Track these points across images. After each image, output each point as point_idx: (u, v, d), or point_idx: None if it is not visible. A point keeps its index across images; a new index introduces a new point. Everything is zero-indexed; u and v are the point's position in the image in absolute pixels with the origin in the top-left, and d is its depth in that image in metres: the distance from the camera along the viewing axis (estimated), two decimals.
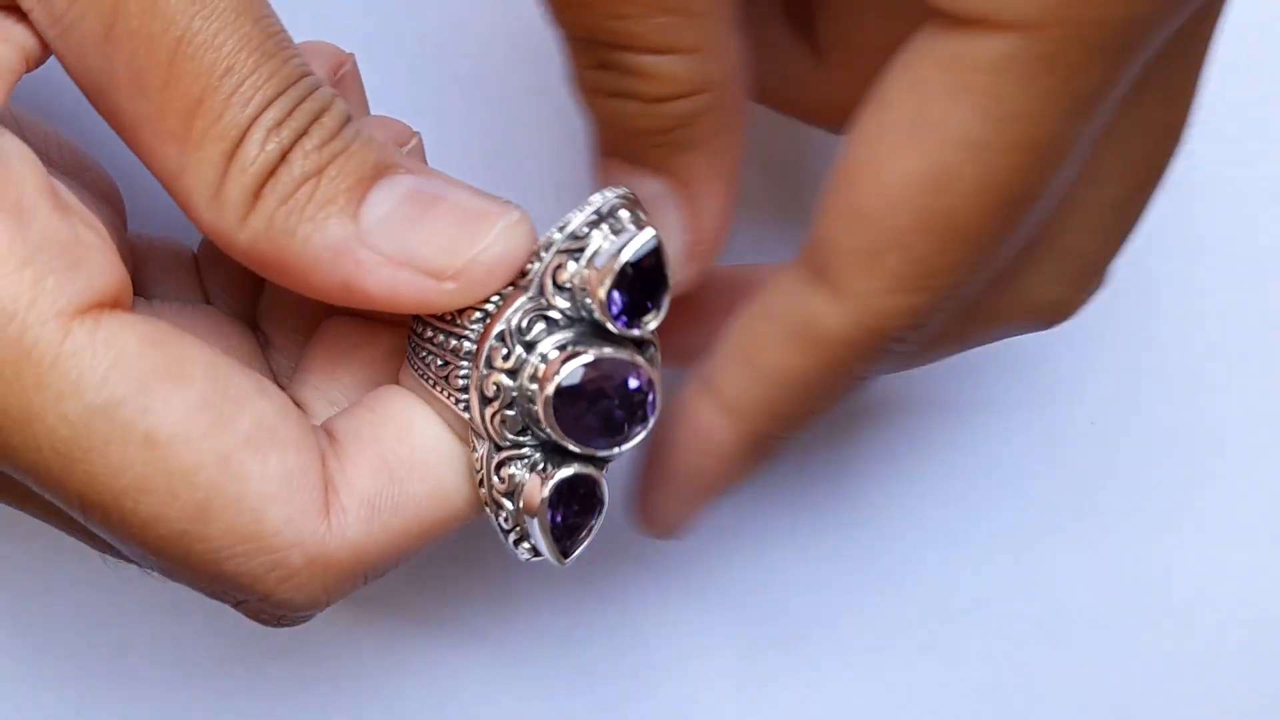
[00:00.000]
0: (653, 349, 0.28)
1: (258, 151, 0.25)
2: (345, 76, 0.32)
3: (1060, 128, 0.24)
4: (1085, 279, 0.29)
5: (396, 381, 0.29)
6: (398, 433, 0.28)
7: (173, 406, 0.25)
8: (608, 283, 0.26)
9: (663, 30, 0.25)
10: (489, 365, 0.27)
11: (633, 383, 0.27)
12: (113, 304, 0.25)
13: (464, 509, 0.28)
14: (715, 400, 0.28)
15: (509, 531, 0.28)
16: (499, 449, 0.27)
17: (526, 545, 0.28)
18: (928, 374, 0.38)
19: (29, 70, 0.26)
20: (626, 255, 0.26)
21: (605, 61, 0.26)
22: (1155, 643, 0.40)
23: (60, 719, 0.38)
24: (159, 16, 0.25)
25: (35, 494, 0.26)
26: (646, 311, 0.27)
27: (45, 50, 0.26)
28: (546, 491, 0.27)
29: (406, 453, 0.28)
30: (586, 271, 0.26)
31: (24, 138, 0.26)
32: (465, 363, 0.27)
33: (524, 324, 0.27)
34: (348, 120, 0.27)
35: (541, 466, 0.27)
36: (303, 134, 0.26)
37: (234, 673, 0.39)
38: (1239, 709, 0.40)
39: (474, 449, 0.27)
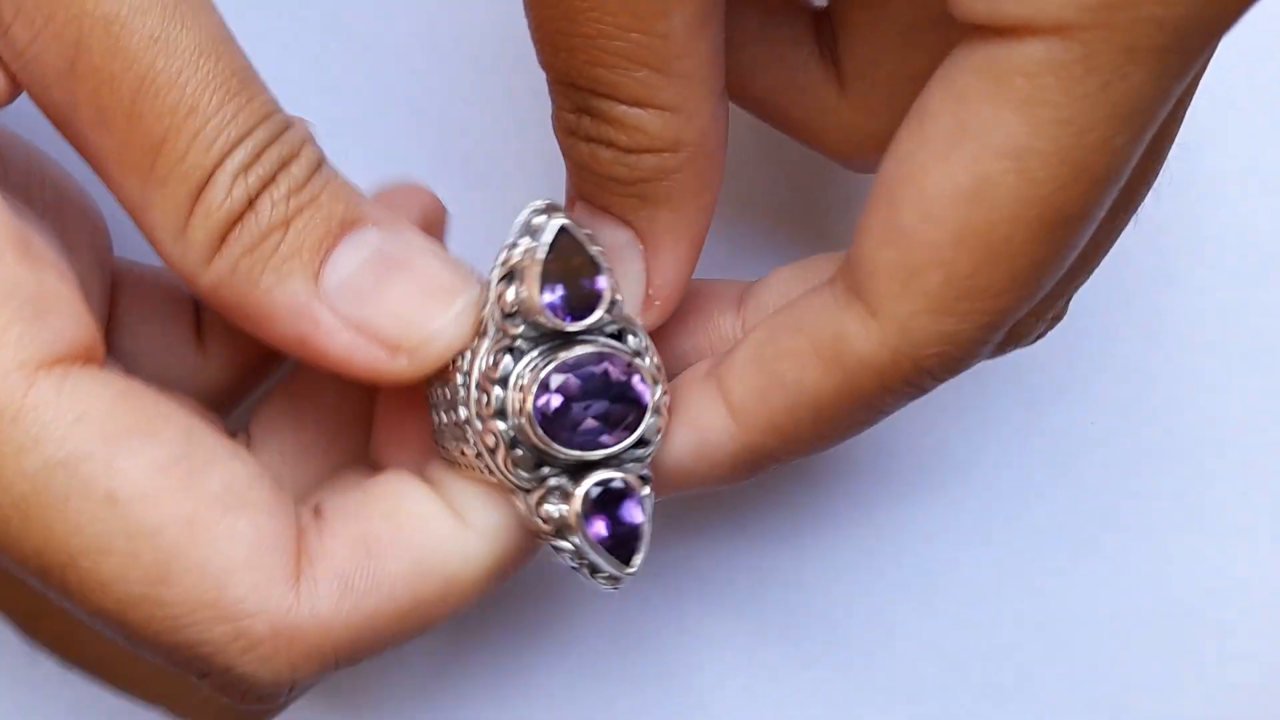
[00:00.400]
0: (633, 338, 0.28)
1: (224, 196, 0.25)
2: (431, 228, 0.32)
3: (1105, 137, 0.23)
4: (1047, 308, 0.29)
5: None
6: (384, 511, 0.27)
7: (138, 464, 0.24)
8: (535, 286, 0.26)
9: (642, 83, 0.26)
10: (479, 418, 0.27)
11: (611, 372, 0.27)
12: (83, 358, 0.25)
13: (452, 593, 0.27)
14: (722, 401, 0.28)
15: (579, 569, 0.27)
16: (529, 493, 0.27)
17: (602, 575, 0.27)
18: None
19: (2, 105, 0.26)
20: (540, 253, 0.26)
21: (584, 106, 0.27)
22: (1156, 643, 0.40)
23: (60, 719, 0.38)
24: (120, 55, 0.25)
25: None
26: (592, 299, 0.27)
27: (15, 88, 0.26)
28: (577, 507, 0.26)
29: (389, 530, 0.27)
30: (520, 288, 0.26)
31: (3, 172, 0.26)
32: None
33: (492, 363, 0.27)
34: (317, 168, 0.27)
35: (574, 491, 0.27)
36: (270, 181, 0.26)
37: None
38: (1240, 709, 0.40)
39: (519, 509, 0.27)
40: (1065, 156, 0.23)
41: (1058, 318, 0.30)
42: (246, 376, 0.32)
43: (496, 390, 0.27)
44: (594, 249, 0.27)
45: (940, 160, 0.24)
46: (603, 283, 0.27)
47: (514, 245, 0.27)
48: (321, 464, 0.31)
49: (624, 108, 0.26)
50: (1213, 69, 0.26)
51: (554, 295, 0.26)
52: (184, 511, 0.24)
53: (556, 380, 0.26)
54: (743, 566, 0.40)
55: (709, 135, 0.27)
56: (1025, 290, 0.25)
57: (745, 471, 0.29)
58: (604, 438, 0.27)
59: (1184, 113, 0.27)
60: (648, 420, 0.27)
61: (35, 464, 0.24)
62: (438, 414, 0.28)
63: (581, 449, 0.27)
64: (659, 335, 0.30)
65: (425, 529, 0.27)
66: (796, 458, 0.28)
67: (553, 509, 0.27)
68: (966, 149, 0.24)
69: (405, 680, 0.40)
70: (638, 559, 0.27)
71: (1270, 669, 0.40)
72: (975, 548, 0.40)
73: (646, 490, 0.27)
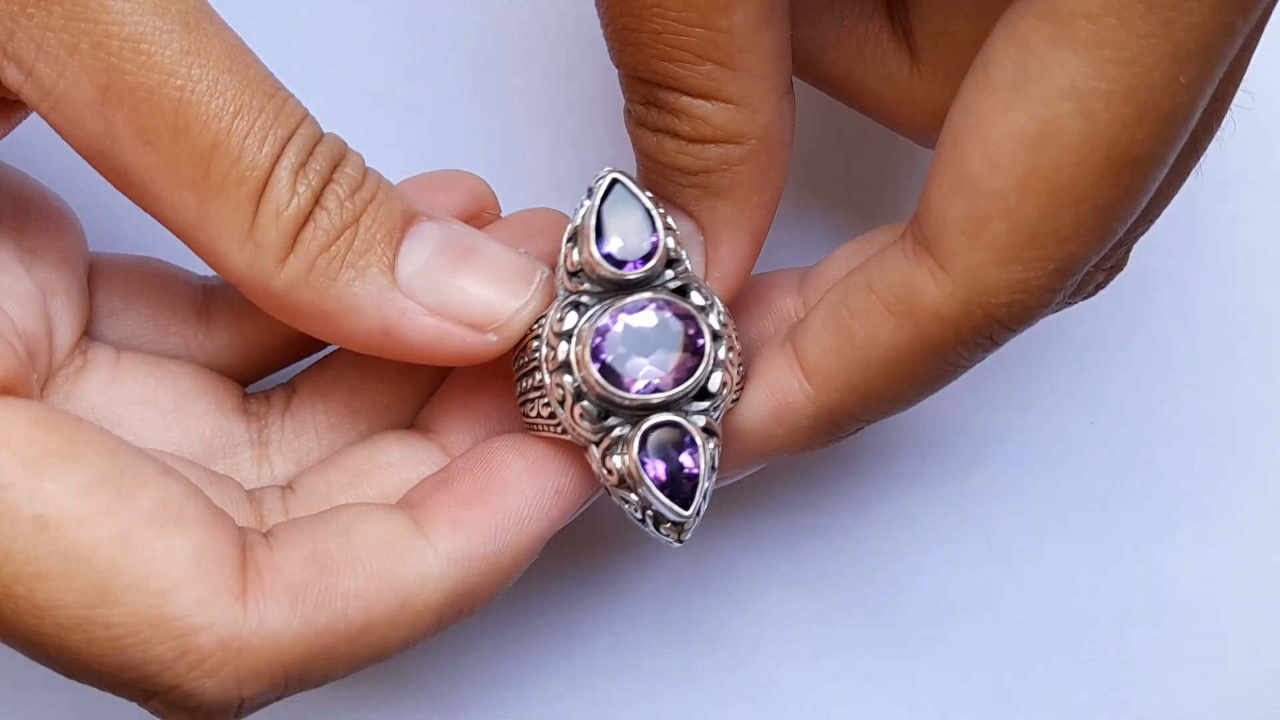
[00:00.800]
0: (697, 294, 0.28)
1: (289, 195, 0.26)
2: (483, 211, 0.33)
3: (1169, 75, 0.23)
4: (1108, 257, 0.29)
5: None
6: (338, 530, 0.27)
7: (64, 487, 0.24)
8: (590, 239, 0.27)
9: (706, 77, 0.27)
10: (549, 373, 0.28)
11: (670, 320, 0.27)
12: (2, 391, 0.25)
13: (405, 616, 0.27)
14: (798, 363, 0.28)
15: (645, 522, 0.28)
16: (597, 445, 0.28)
17: (666, 526, 0.28)
18: None
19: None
20: (595, 202, 0.28)
21: (652, 98, 0.28)
22: (1155, 643, 0.40)
23: (60, 719, 0.38)
24: (155, 69, 0.25)
25: None
26: (647, 248, 0.28)
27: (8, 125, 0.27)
28: (634, 448, 0.27)
29: (342, 548, 0.27)
30: (581, 245, 0.28)
31: None
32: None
33: (559, 318, 0.28)
34: (366, 168, 0.28)
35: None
36: (329, 180, 0.27)
37: None
38: (1239, 709, 0.40)
39: (590, 463, 0.28)
40: (1130, 97, 0.24)
41: (1117, 268, 0.30)
42: (258, 352, 0.32)
43: (563, 345, 0.28)
44: (649, 203, 0.28)
45: (1004, 106, 0.24)
46: (658, 233, 0.28)
47: (577, 208, 0.28)
48: (365, 429, 0.31)
49: (688, 99, 0.27)
50: None
51: (609, 246, 0.27)
52: (116, 531, 0.24)
53: (614, 325, 0.27)
54: (742, 567, 0.40)
55: (773, 130, 0.28)
56: (1093, 236, 0.25)
57: (826, 434, 0.29)
58: (661, 382, 0.27)
59: (1250, 56, 0.27)
60: (705, 369, 0.28)
61: None
62: (520, 382, 0.29)
63: (640, 394, 0.27)
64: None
65: (383, 547, 0.27)
66: (875, 418, 0.29)
67: (617, 460, 0.28)
68: (1030, 93, 0.24)
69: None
70: (696, 502, 0.27)
71: (1271, 669, 0.40)
72: (975, 547, 0.40)
73: (712, 444, 0.28)
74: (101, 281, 0.31)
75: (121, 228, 0.32)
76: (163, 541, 0.25)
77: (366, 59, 0.36)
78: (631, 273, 0.27)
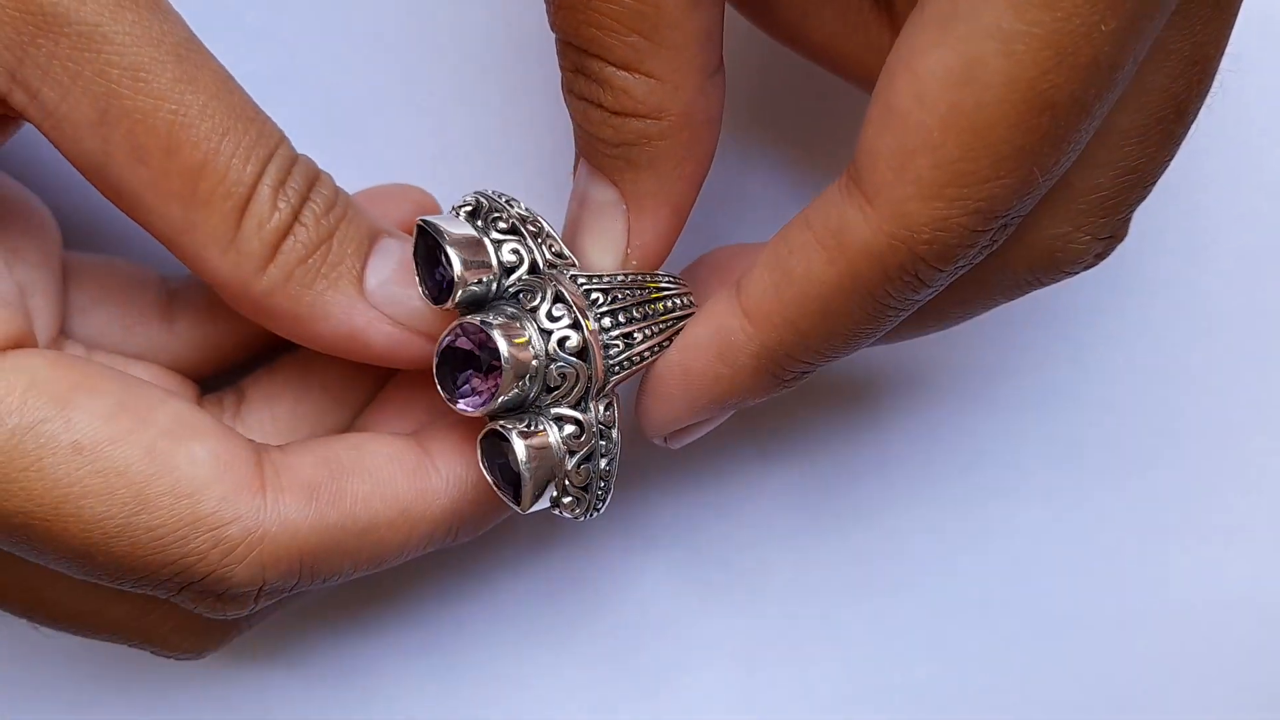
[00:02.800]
0: (533, 295, 0.29)
1: (270, 209, 0.29)
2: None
3: (1090, 22, 0.24)
4: (1103, 222, 0.29)
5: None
6: (348, 444, 0.30)
7: (92, 414, 0.28)
8: (415, 281, 0.30)
9: (631, 48, 0.27)
10: None
11: (469, 339, 0.29)
12: (15, 344, 0.29)
13: (405, 523, 0.30)
14: (739, 301, 0.29)
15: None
16: None
17: (560, 508, 0.30)
18: (930, 373, 0.39)
19: None
20: (410, 249, 0.30)
21: (580, 66, 0.28)
22: (1157, 644, 0.40)
23: (60, 719, 0.39)
24: (150, 95, 0.28)
25: None
26: (446, 282, 0.29)
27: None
28: (479, 458, 0.30)
29: (352, 457, 0.30)
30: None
31: None
32: None
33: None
34: (337, 188, 0.30)
35: None
36: (306, 197, 0.29)
37: (234, 672, 0.40)
38: (1239, 709, 0.40)
39: None
40: (1049, 40, 0.24)
41: (1116, 238, 0.30)
42: (217, 350, 0.35)
43: None
44: (447, 241, 0.29)
45: (933, 42, 0.25)
46: (453, 266, 0.29)
47: None
48: (308, 433, 0.34)
49: (613, 70, 0.28)
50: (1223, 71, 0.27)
51: (426, 283, 0.30)
52: (143, 445, 0.28)
53: (440, 352, 0.29)
54: (739, 567, 0.40)
55: (695, 108, 0.28)
56: (1013, 178, 0.25)
57: (770, 375, 0.29)
58: (483, 397, 0.29)
59: (1229, 21, 0.27)
60: (513, 376, 0.28)
61: (2, 436, 0.27)
62: None
63: (479, 408, 0.29)
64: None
65: (389, 460, 0.30)
66: (815, 359, 0.29)
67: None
68: (957, 30, 0.24)
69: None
70: (526, 494, 0.29)
71: (1269, 669, 0.40)
72: (975, 547, 0.40)
73: (568, 430, 0.29)
74: (72, 280, 0.33)
75: (89, 227, 0.34)
76: (184, 451, 0.28)
77: (366, 59, 0.37)
78: (443, 306, 0.29)
